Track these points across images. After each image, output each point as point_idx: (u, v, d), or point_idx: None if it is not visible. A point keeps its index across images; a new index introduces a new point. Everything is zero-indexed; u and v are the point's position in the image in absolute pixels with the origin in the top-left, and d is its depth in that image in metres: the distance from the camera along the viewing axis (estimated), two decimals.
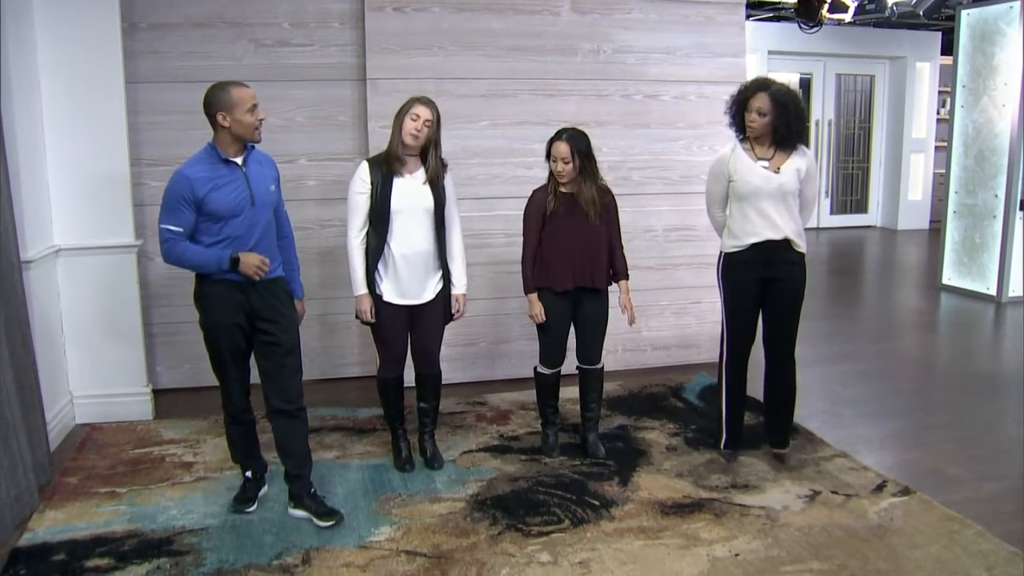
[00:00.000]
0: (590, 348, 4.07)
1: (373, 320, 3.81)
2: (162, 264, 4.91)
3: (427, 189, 3.80)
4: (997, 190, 7.50)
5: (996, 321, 7.02)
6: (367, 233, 3.78)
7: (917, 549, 3.20)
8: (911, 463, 4.06)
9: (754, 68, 10.27)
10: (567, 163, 3.83)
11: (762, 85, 3.76)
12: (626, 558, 3.16)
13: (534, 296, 3.98)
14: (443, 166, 3.85)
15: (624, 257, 4.06)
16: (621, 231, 4.08)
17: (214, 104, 3.27)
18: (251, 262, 3.27)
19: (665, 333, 5.62)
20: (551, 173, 3.92)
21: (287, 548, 3.22)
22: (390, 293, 3.81)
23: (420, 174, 3.80)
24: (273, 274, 3.42)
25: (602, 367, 4.11)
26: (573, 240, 3.90)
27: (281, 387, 3.42)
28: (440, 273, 3.90)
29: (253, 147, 3.42)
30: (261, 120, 3.34)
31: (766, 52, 10.86)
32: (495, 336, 5.29)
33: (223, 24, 4.86)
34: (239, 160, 3.34)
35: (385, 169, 3.75)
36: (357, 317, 3.86)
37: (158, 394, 4.79)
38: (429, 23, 4.98)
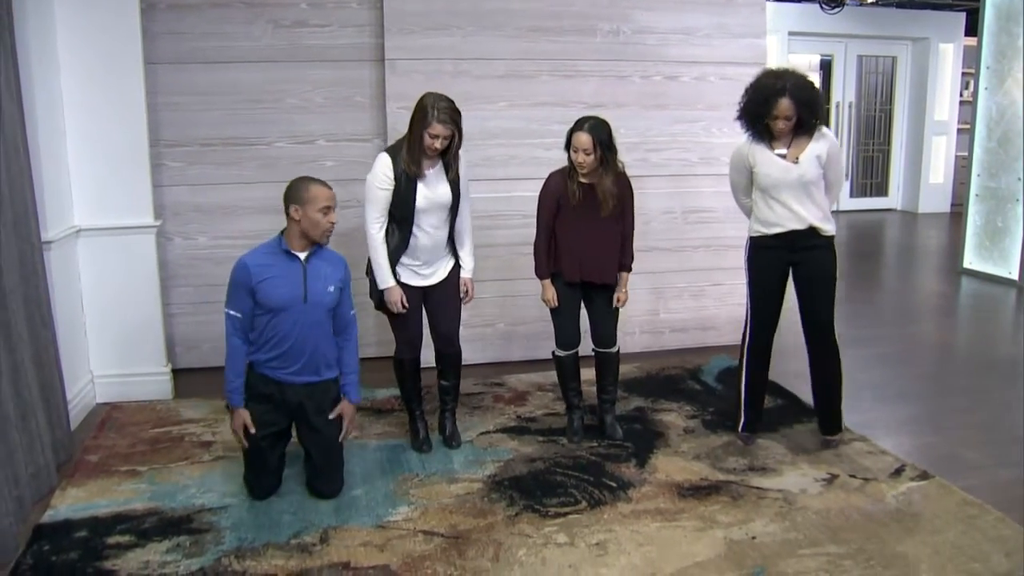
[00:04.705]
0: (603, 332, 4.07)
1: (406, 309, 3.83)
2: (182, 244, 5.01)
3: (447, 186, 3.81)
4: (1020, 173, 7.40)
5: (1017, 306, 6.95)
6: (389, 229, 3.80)
7: (935, 534, 3.19)
8: (929, 447, 4.04)
9: (775, 49, 10.17)
10: (588, 154, 3.77)
11: (779, 90, 3.62)
12: (643, 540, 3.16)
13: (547, 281, 3.98)
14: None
15: (632, 250, 4.03)
16: (635, 218, 4.05)
17: (290, 196, 3.34)
18: (235, 423, 3.40)
19: (683, 315, 5.61)
20: (570, 161, 3.88)
21: (305, 527, 3.25)
22: (406, 275, 3.84)
23: (439, 169, 3.80)
24: (319, 377, 3.49)
25: (617, 350, 4.11)
26: (586, 234, 3.89)
27: (323, 478, 3.52)
28: (452, 256, 3.97)
29: (322, 245, 3.45)
30: (332, 223, 3.38)
31: (786, 33, 10.73)
32: (512, 317, 5.29)
33: (241, 4, 4.85)
34: (302, 255, 3.38)
35: (407, 170, 3.72)
36: (378, 308, 3.91)
37: (177, 374, 4.82)
38: (448, 3, 4.95)
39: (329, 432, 3.50)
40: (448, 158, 3.77)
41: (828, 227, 3.79)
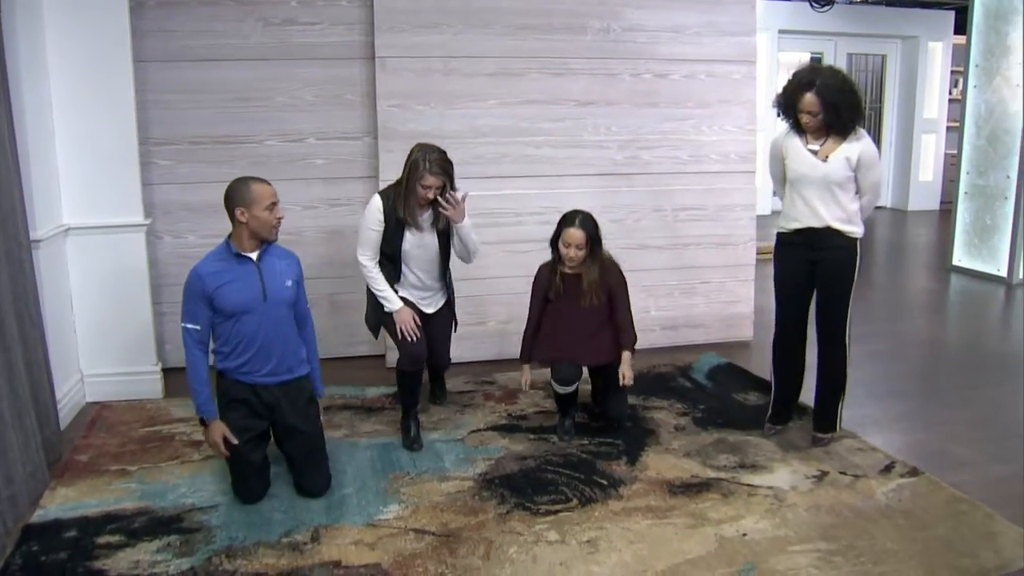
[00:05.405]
0: (611, 410, 4.15)
1: (419, 326, 3.93)
2: (171, 243, 4.98)
3: (434, 235, 3.97)
4: (1009, 171, 7.44)
5: (1006, 303, 6.99)
6: (381, 261, 3.96)
7: (925, 530, 3.20)
8: (919, 444, 4.05)
9: (765, 47, 10.19)
10: (580, 249, 3.81)
11: (807, 84, 3.58)
12: (634, 537, 3.16)
13: (527, 366, 4.08)
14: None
15: (632, 333, 4.03)
16: (630, 299, 4.04)
17: (233, 199, 3.31)
18: (212, 436, 3.33)
19: (673, 313, 5.61)
20: (556, 253, 3.91)
21: (296, 526, 3.24)
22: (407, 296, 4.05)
23: (428, 215, 3.94)
24: (292, 375, 3.47)
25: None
26: (568, 324, 3.95)
27: (308, 476, 3.49)
28: (445, 292, 4.18)
29: (272, 243, 3.42)
30: (279, 219, 3.37)
31: (776, 31, 10.74)
32: (504, 315, 5.28)
33: (231, 2, 4.83)
34: (254, 255, 3.36)
35: (402, 220, 3.86)
36: (374, 331, 4.13)
37: (167, 373, 4.79)
38: (437, 1, 4.94)
39: (308, 428, 3.48)
40: (439, 208, 3.89)
41: (849, 228, 3.73)
